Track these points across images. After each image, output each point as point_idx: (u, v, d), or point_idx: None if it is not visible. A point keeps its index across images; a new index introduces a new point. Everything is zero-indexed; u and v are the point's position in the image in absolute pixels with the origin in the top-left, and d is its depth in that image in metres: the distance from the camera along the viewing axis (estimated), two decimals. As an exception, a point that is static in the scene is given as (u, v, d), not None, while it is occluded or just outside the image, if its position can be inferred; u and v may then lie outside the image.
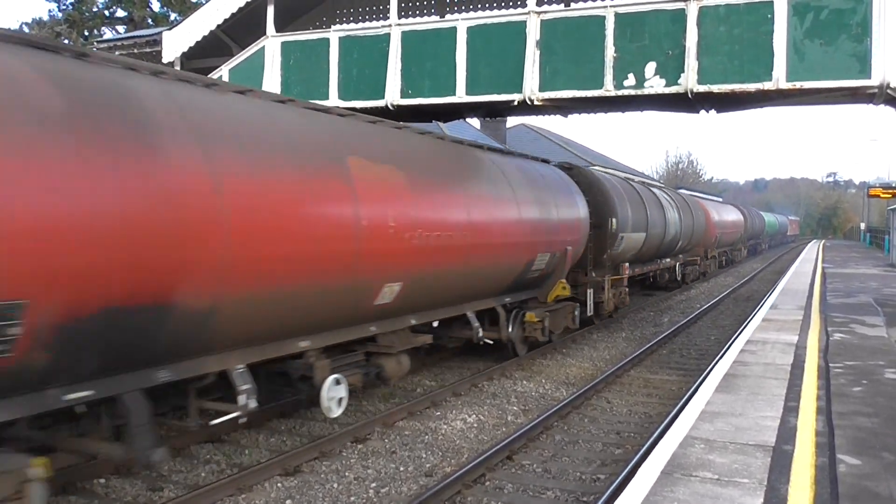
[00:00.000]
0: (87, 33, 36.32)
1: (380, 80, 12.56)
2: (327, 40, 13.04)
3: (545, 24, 11.59)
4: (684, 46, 10.78)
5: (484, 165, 10.96)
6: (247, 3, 13.68)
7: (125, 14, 37.63)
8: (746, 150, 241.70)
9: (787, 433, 6.13)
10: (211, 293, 5.84)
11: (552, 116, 13.68)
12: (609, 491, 6.47)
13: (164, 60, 13.89)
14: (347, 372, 8.01)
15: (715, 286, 29.46)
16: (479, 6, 14.12)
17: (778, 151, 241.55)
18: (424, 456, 7.82)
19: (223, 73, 13.84)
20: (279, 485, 6.87)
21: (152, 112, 5.55)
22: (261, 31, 13.75)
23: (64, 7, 37.15)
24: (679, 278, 26.38)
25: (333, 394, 7.66)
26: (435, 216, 8.92)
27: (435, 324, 9.93)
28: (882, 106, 11.03)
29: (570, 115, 13.41)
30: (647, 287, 25.03)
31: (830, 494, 4.78)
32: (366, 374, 8.52)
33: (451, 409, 9.59)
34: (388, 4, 12.95)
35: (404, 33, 12.46)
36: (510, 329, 12.01)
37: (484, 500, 6.69)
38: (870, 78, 10.04)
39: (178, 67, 13.80)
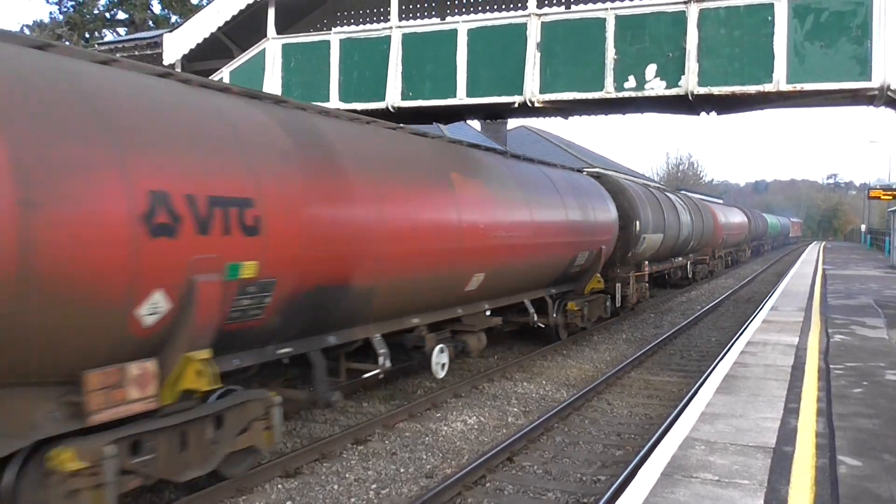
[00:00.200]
0: (87, 35, 36.38)
1: (380, 82, 12.57)
2: (328, 42, 13.05)
3: (546, 27, 11.61)
4: (685, 48, 10.78)
5: (540, 177, 12.94)
6: (247, 5, 13.68)
7: (126, 16, 37.73)
8: (747, 151, 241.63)
9: (787, 434, 6.14)
10: (372, 277, 7.67)
11: (552, 118, 13.69)
12: (609, 492, 6.47)
13: (165, 62, 13.89)
14: (445, 344, 9.83)
15: (716, 288, 29.49)
16: (480, 8, 14.15)
17: (778, 153, 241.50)
18: (425, 457, 7.82)
19: (224, 74, 13.85)
20: (279, 486, 6.87)
21: (332, 144, 7.38)
22: (261, 33, 13.75)
23: (65, 9, 37.24)
24: (690, 276, 28.19)
25: (439, 359, 9.53)
26: (510, 219, 10.83)
27: (487, 313, 11.47)
28: (882, 108, 11.04)
29: (570, 117, 13.43)
30: (658, 284, 26.09)
31: (831, 496, 4.78)
32: (455, 346, 10.20)
33: (452, 411, 9.60)
34: (389, 7, 12.97)
35: (405, 35, 12.47)
36: (555, 315, 13.75)
37: (484, 501, 6.70)
38: (870, 80, 10.05)
39: (178, 69, 13.80)
